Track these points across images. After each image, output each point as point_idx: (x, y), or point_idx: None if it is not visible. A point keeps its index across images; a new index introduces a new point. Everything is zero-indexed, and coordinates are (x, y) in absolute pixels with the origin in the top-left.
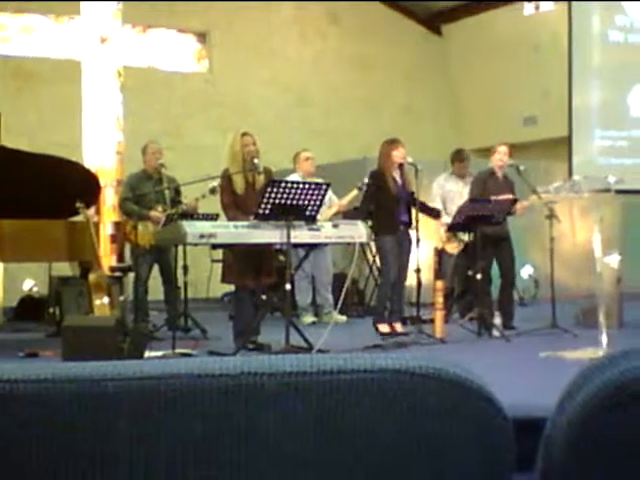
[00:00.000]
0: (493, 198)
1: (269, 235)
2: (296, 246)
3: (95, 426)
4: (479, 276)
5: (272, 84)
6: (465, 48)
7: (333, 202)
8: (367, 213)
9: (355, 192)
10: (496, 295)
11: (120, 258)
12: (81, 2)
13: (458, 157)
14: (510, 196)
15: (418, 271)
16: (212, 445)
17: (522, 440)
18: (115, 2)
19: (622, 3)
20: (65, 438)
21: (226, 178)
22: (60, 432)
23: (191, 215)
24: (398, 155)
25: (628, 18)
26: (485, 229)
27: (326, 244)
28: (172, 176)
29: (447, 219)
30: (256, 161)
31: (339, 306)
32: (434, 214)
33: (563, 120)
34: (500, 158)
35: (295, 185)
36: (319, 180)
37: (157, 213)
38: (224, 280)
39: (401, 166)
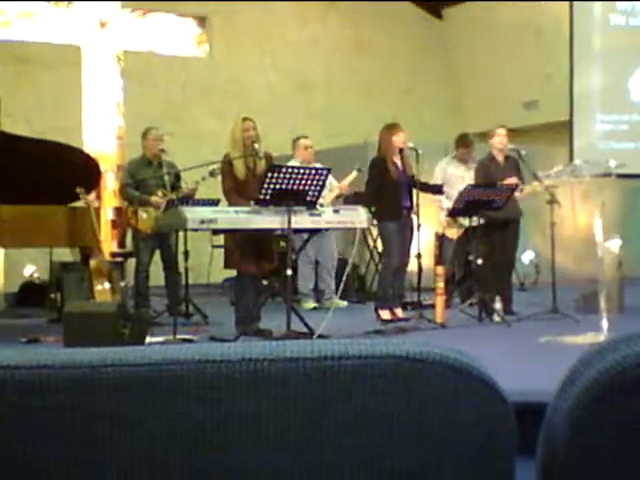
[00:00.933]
0: (509, 180)
1: (270, 220)
2: (297, 231)
3: (96, 412)
4: (480, 261)
5: (272, 68)
6: (466, 32)
7: (333, 186)
8: (371, 200)
9: (355, 174)
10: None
11: (121, 244)
12: None
13: (463, 142)
14: (515, 180)
15: (419, 256)
16: (213, 431)
17: (523, 425)
18: None
19: None
20: (66, 424)
21: (227, 163)
22: (61, 418)
23: (188, 200)
24: (398, 140)
25: (629, 2)
26: (494, 212)
27: (327, 229)
28: (172, 161)
29: (448, 204)
30: (256, 146)
31: (340, 291)
32: (436, 190)
33: (564, 104)
34: (500, 140)
35: (296, 170)
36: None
37: (157, 198)
38: (227, 266)
39: (401, 151)
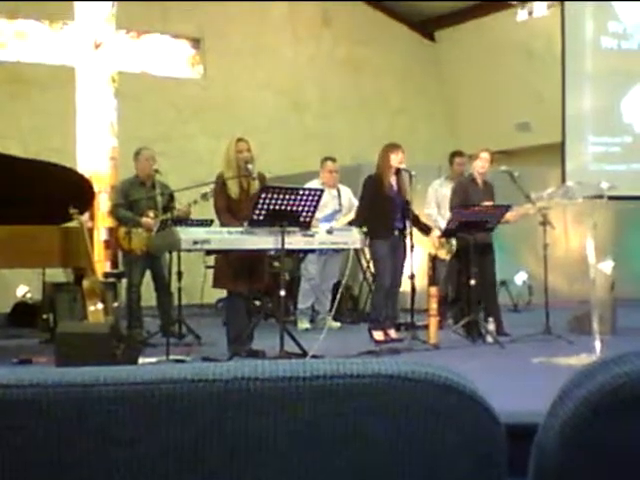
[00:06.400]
0: (487, 204)
1: (263, 241)
2: (291, 252)
3: (88, 431)
4: (473, 282)
5: (266, 88)
6: (458, 54)
7: (354, 207)
8: (362, 215)
9: None
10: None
11: (114, 264)
12: (75, 7)
13: (457, 154)
14: (490, 203)
15: (412, 277)
16: (205, 450)
17: (514, 445)
18: (109, 7)
19: (615, 9)
20: (58, 443)
21: (220, 183)
22: (53, 437)
23: (184, 221)
24: (396, 159)
25: (621, 24)
26: (469, 237)
27: (320, 250)
28: (165, 182)
29: (442, 223)
30: (250, 167)
31: (333, 312)
32: (425, 230)
33: (556, 126)
34: (482, 165)
35: (289, 191)
36: (346, 190)
37: (149, 219)
38: (215, 285)
39: (398, 172)
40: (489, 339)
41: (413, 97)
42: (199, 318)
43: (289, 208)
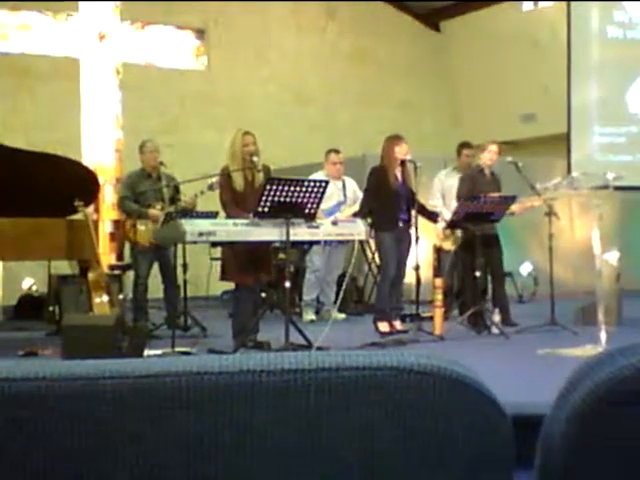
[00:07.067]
0: (492, 195)
1: (268, 233)
2: (296, 244)
3: (94, 424)
4: (478, 273)
5: (270, 80)
6: (464, 44)
7: (358, 198)
8: (367, 208)
9: None
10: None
11: (119, 256)
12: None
13: (466, 145)
14: (497, 194)
15: (417, 268)
16: (211, 442)
17: (520, 437)
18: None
19: None
20: (64, 436)
21: (225, 175)
22: (59, 430)
23: (190, 212)
24: (400, 151)
25: (627, 14)
26: (475, 229)
27: (325, 242)
28: (171, 174)
29: (447, 214)
30: (255, 159)
31: (338, 304)
32: (432, 218)
33: (562, 117)
34: (490, 157)
35: (294, 183)
36: (351, 181)
37: (155, 211)
38: (223, 278)
39: (403, 163)
40: (494, 330)
41: (418, 88)
42: (204, 310)
43: (294, 200)
